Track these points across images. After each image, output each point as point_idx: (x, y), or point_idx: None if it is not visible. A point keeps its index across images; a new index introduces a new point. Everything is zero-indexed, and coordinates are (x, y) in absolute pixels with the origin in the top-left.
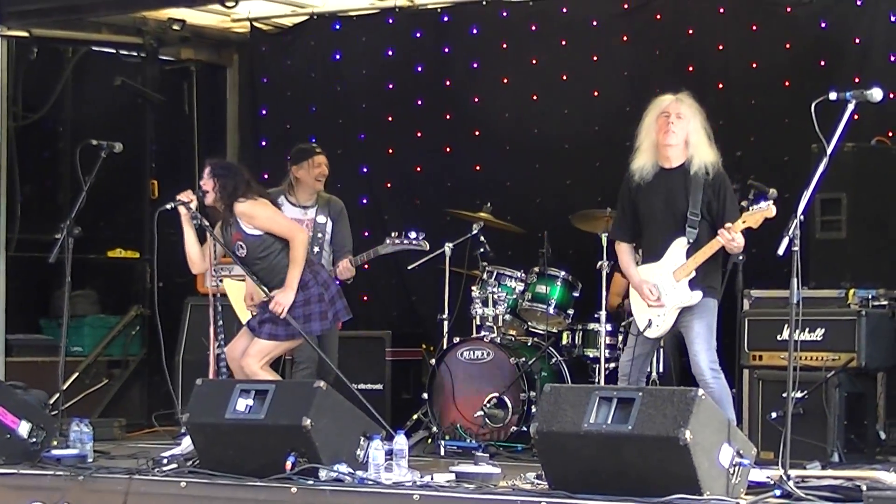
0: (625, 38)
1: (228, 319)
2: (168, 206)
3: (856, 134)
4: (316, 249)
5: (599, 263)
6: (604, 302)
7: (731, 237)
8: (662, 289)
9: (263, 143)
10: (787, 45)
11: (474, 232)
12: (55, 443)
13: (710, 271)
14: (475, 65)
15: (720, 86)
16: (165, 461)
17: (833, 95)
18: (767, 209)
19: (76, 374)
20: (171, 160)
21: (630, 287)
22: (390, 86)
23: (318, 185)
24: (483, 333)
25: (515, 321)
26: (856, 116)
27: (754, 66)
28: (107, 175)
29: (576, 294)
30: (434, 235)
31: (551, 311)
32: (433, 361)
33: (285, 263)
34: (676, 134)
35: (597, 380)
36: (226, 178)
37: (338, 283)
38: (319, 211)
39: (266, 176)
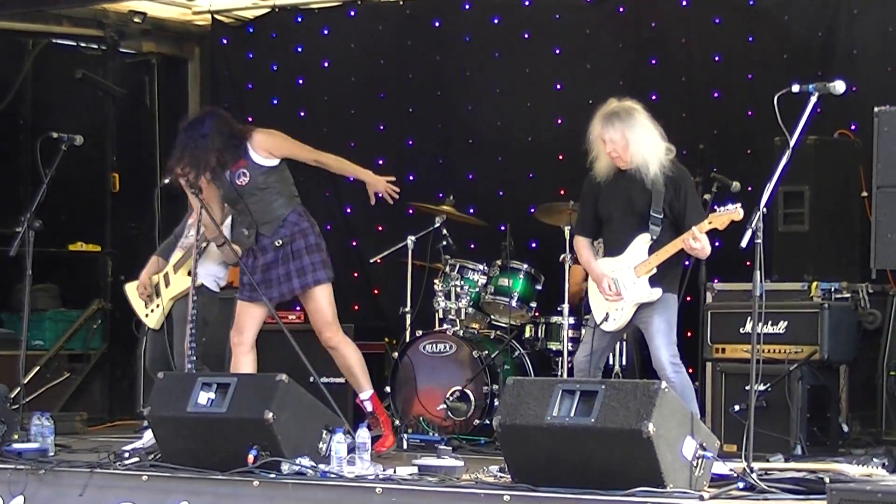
0: (587, 32)
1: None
2: (165, 180)
3: (818, 127)
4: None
5: (562, 256)
6: (566, 295)
7: (697, 245)
8: (622, 283)
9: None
10: (750, 39)
11: (437, 225)
12: (16, 437)
13: (671, 268)
14: (438, 58)
15: (683, 79)
16: (127, 455)
17: (796, 88)
18: (735, 212)
19: (37, 368)
20: (132, 153)
21: (589, 280)
22: (352, 79)
23: None
24: (446, 327)
25: (478, 314)
26: (818, 110)
27: (717, 59)
28: (67, 168)
29: (538, 287)
30: (396, 228)
31: (514, 304)
32: (396, 355)
33: (280, 204)
34: (621, 157)
35: (560, 373)
36: (198, 135)
37: None
38: None
39: None
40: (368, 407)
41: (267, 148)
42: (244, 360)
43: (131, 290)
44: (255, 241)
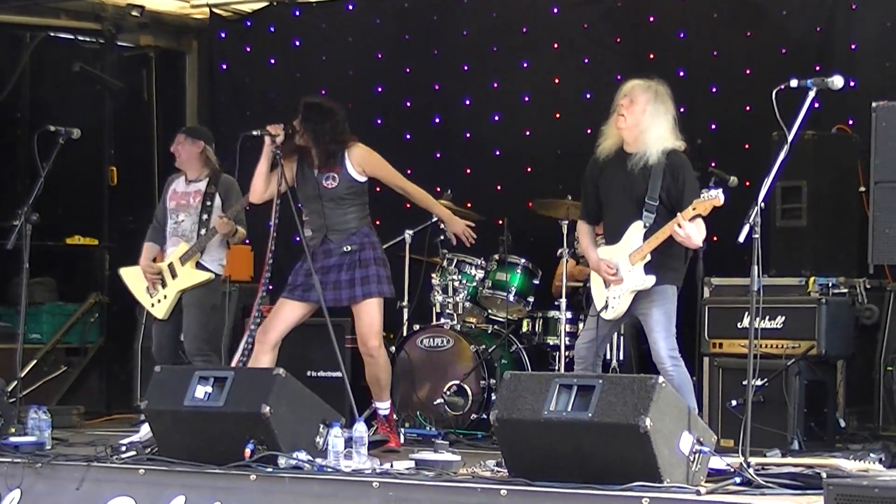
0: (585, 26)
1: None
2: (254, 133)
3: (816, 122)
4: (205, 217)
5: (559, 251)
6: (563, 289)
7: (682, 232)
8: (619, 272)
9: (222, 130)
10: (749, 33)
11: (434, 219)
12: (13, 430)
13: (669, 257)
14: (435, 52)
15: (681, 73)
16: (124, 448)
17: (794, 83)
18: (716, 198)
19: (34, 362)
20: (130, 147)
21: (590, 268)
22: (350, 73)
23: (179, 163)
24: (443, 321)
25: (475, 309)
26: (816, 105)
27: (715, 53)
28: (65, 161)
29: (536, 281)
30: (394, 223)
31: (511, 298)
32: (393, 349)
33: (354, 217)
34: (626, 118)
35: (557, 367)
36: (321, 121)
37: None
38: (210, 185)
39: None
40: (384, 413)
41: (362, 164)
42: (264, 359)
43: (128, 274)
44: (321, 244)
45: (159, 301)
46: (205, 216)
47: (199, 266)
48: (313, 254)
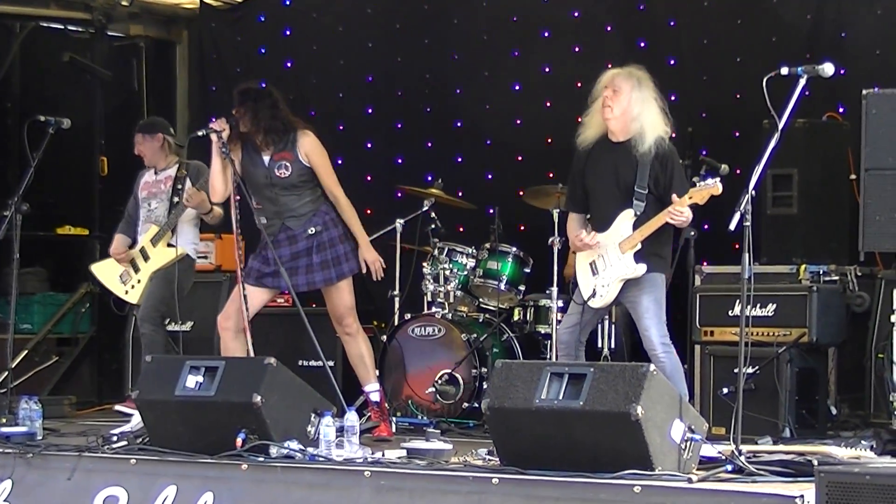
0: (576, 14)
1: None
2: (199, 133)
3: (807, 110)
4: (175, 199)
5: (550, 239)
6: (555, 278)
7: (681, 213)
8: (608, 260)
9: (213, 120)
10: (739, 21)
11: (425, 208)
12: (4, 420)
13: (658, 245)
14: (426, 41)
15: (671, 62)
16: (115, 438)
17: (785, 70)
18: (714, 187)
19: (25, 352)
20: (121, 137)
21: (576, 257)
22: (341, 62)
23: (147, 162)
24: (434, 310)
25: (467, 297)
26: (807, 92)
27: (705, 41)
28: (55, 151)
29: (527, 270)
30: (385, 212)
31: (502, 287)
32: (384, 338)
33: (310, 200)
34: (612, 108)
35: (548, 356)
36: (257, 103)
37: None
38: (179, 170)
39: None
40: (375, 398)
41: (309, 153)
42: (233, 345)
43: (99, 269)
44: (281, 230)
45: (133, 287)
46: (175, 199)
47: (170, 247)
48: (277, 241)
